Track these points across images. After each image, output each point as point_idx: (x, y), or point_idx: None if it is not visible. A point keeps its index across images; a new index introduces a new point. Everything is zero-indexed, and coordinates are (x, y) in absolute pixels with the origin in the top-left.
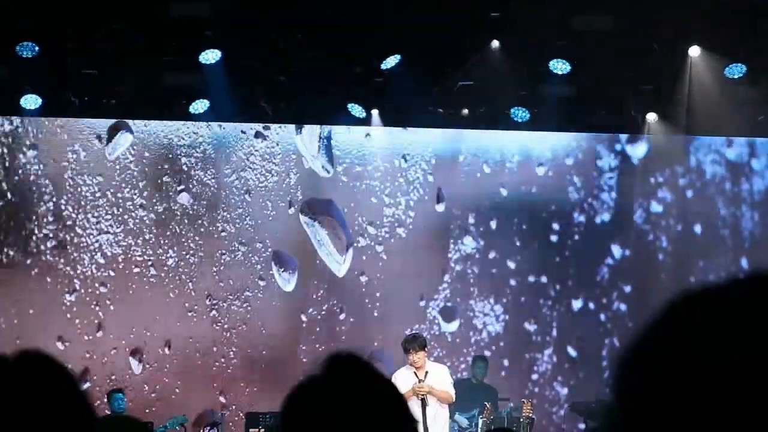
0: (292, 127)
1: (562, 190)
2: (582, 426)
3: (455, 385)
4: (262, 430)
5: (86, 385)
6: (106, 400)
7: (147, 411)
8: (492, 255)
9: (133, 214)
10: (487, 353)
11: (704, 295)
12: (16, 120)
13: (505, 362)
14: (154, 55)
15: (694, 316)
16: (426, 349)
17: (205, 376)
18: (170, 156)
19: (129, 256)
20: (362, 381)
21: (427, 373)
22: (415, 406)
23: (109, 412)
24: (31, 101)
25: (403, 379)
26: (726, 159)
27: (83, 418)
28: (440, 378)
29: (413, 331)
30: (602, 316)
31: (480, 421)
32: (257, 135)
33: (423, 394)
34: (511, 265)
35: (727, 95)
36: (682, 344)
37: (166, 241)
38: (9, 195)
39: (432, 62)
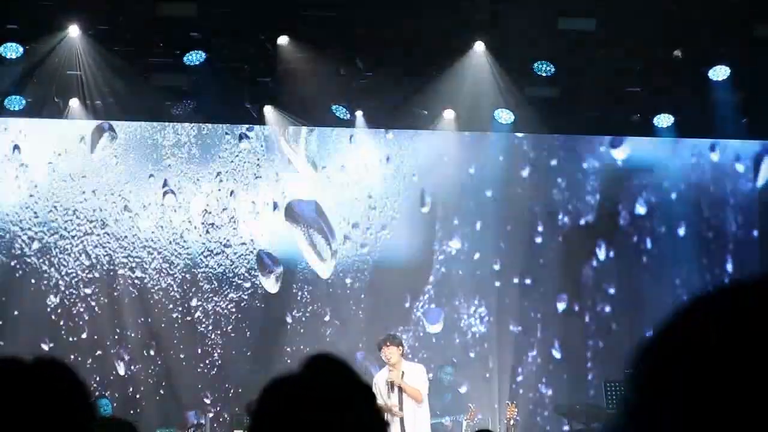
0: (276, 128)
1: (547, 192)
2: (566, 428)
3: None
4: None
5: None
6: None
7: (132, 412)
8: (476, 256)
9: (117, 215)
10: (471, 355)
11: (720, 296)
12: (0, 120)
13: (490, 364)
14: (139, 56)
15: (710, 318)
16: (399, 346)
17: (190, 378)
18: (155, 157)
19: (113, 257)
20: (338, 382)
21: (402, 373)
22: (392, 400)
23: None
24: (15, 102)
25: (381, 379)
26: (710, 161)
27: (87, 425)
28: (414, 376)
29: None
30: (587, 318)
31: (464, 423)
32: (241, 136)
33: (395, 384)
34: (496, 266)
35: (711, 97)
36: (696, 346)
37: (150, 243)
38: None
39: (416, 64)
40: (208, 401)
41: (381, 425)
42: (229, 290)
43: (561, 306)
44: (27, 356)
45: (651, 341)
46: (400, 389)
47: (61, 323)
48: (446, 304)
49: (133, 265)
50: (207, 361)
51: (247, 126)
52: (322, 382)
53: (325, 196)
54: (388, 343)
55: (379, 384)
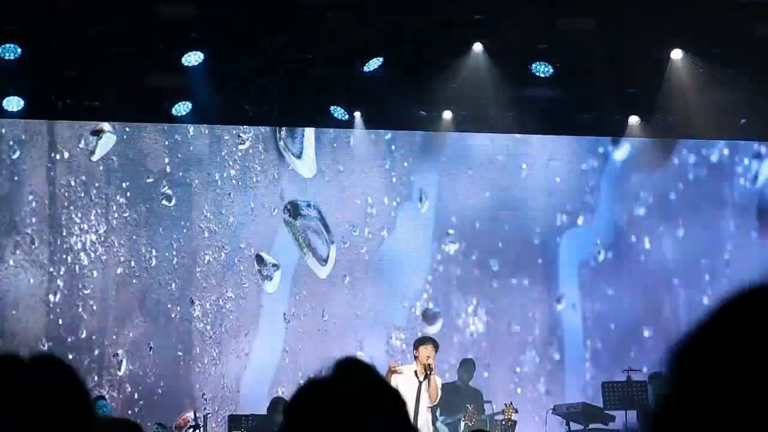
0: (274, 129)
1: (545, 192)
2: (564, 429)
3: (442, 388)
4: None
5: None
6: None
7: (129, 412)
8: (475, 256)
9: (116, 215)
10: (469, 355)
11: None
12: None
13: (488, 364)
14: (137, 57)
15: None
16: (436, 349)
17: (188, 378)
18: (153, 157)
19: (112, 256)
20: (368, 386)
21: (426, 375)
22: (409, 399)
23: None
24: (14, 103)
25: (405, 373)
26: (708, 161)
27: (86, 422)
28: (437, 381)
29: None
30: (585, 318)
31: (462, 424)
32: (240, 137)
33: (427, 367)
34: (494, 266)
35: (709, 98)
36: (736, 344)
37: (149, 242)
38: None
39: (415, 64)
40: (206, 401)
41: (411, 429)
42: (227, 291)
43: (559, 306)
44: (24, 353)
45: (684, 344)
46: (418, 388)
47: (60, 323)
48: (444, 304)
49: (132, 264)
50: (205, 361)
51: (245, 127)
52: (356, 387)
53: (323, 197)
54: (427, 343)
55: (400, 380)
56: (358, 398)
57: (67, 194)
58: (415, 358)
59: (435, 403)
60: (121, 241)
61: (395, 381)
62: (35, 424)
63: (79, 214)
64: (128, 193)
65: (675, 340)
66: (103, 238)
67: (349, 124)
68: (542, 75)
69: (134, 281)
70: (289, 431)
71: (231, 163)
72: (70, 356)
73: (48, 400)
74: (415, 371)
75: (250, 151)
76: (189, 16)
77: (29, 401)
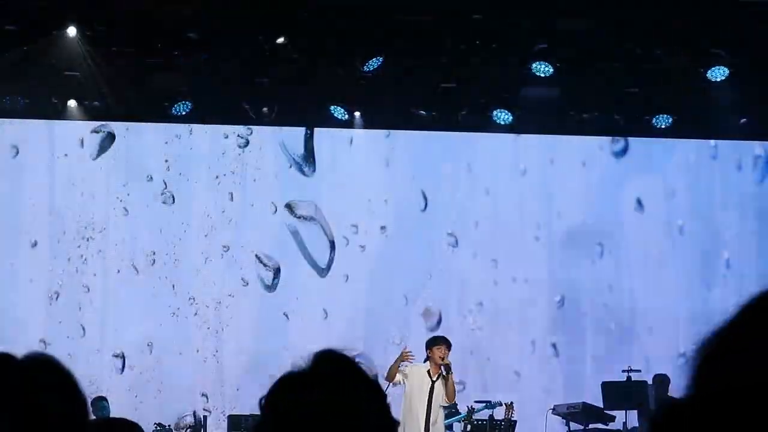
0: (274, 129)
1: (545, 192)
2: (564, 429)
3: None
4: None
5: None
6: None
7: (129, 413)
8: (475, 256)
9: (115, 216)
10: (470, 354)
11: None
12: None
13: (488, 363)
14: (137, 57)
15: None
16: (450, 350)
17: (188, 378)
18: (153, 157)
19: (112, 256)
20: (347, 377)
21: (440, 375)
22: (422, 398)
23: (94, 417)
24: (16, 103)
25: (417, 372)
26: (709, 161)
27: (81, 423)
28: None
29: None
30: (585, 318)
31: (462, 424)
32: (240, 137)
33: (446, 367)
34: (494, 266)
35: (710, 98)
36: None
37: (149, 243)
38: None
39: (414, 64)
40: (205, 401)
41: (391, 423)
42: (227, 291)
43: (559, 306)
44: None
45: (715, 336)
46: (431, 388)
47: (60, 323)
48: (444, 303)
49: (132, 266)
50: (205, 362)
51: (245, 127)
52: (333, 379)
53: (323, 197)
54: (440, 343)
55: (414, 371)
56: (337, 389)
57: (67, 194)
58: (429, 358)
59: (452, 402)
60: (121, 241)
61: (410, 379)
62: (29, 425)
63: (79, 214)
64: (128, 193)
65: (700, 340)
66: (103, 238)
67: (349, 123)
68: (542, 74)
69: (134, 281)
70: (266, 424)
71: (231, 162)
72: (69, 358)
73: (42, 400)
74: (428, 371)
75: (250, 150)
76: (190, 16)
77: (22, 402)
